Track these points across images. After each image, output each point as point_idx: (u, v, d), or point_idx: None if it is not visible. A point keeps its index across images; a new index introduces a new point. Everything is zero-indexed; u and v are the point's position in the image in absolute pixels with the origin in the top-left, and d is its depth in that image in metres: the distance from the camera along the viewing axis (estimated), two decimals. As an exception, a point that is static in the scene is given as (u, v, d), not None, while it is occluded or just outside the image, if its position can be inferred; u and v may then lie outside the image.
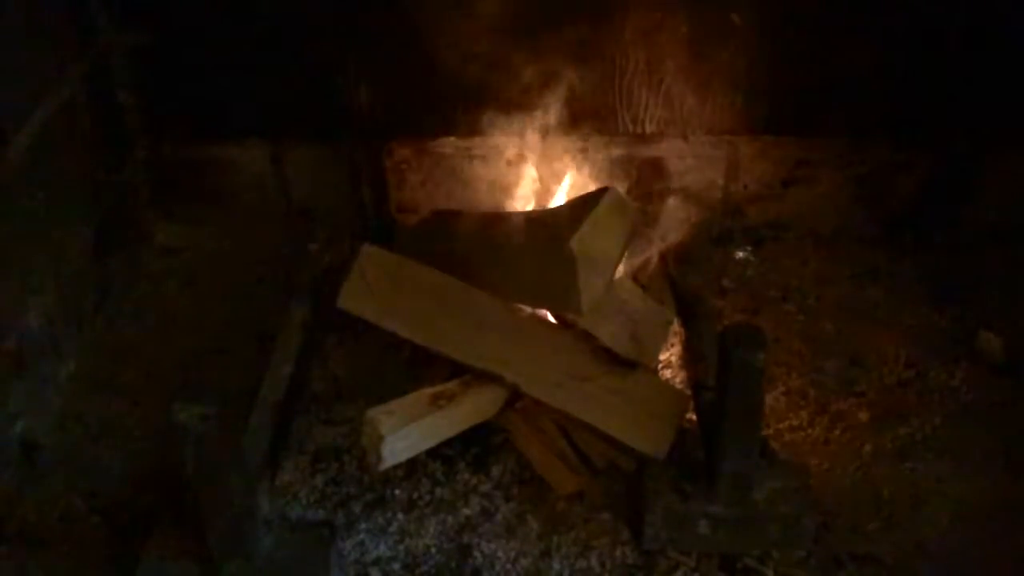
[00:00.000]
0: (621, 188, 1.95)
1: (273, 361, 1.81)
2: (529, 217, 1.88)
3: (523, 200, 2.11)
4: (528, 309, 1.82)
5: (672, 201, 2.18)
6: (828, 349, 1.98)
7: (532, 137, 2.02)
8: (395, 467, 1.67)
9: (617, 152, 2.17)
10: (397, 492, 1.69)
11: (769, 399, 1.82)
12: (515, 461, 1.74)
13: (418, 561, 1.59)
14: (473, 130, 2.15)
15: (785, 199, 2.27)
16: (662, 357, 1.93)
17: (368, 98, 2.12)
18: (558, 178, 2.06)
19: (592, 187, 1.97)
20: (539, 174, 2.08)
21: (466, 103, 2.11)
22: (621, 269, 1.86)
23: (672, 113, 2.18)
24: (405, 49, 2.10)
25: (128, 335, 2.05)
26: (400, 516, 1.65)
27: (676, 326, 1.94)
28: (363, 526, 1.64)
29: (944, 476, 1.73)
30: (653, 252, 2.05)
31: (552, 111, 1.98)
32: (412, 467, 1.71)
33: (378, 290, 1.81)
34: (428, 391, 1.70)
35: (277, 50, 2.10)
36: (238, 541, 1.47)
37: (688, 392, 1.79)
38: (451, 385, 1.72)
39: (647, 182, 2.18)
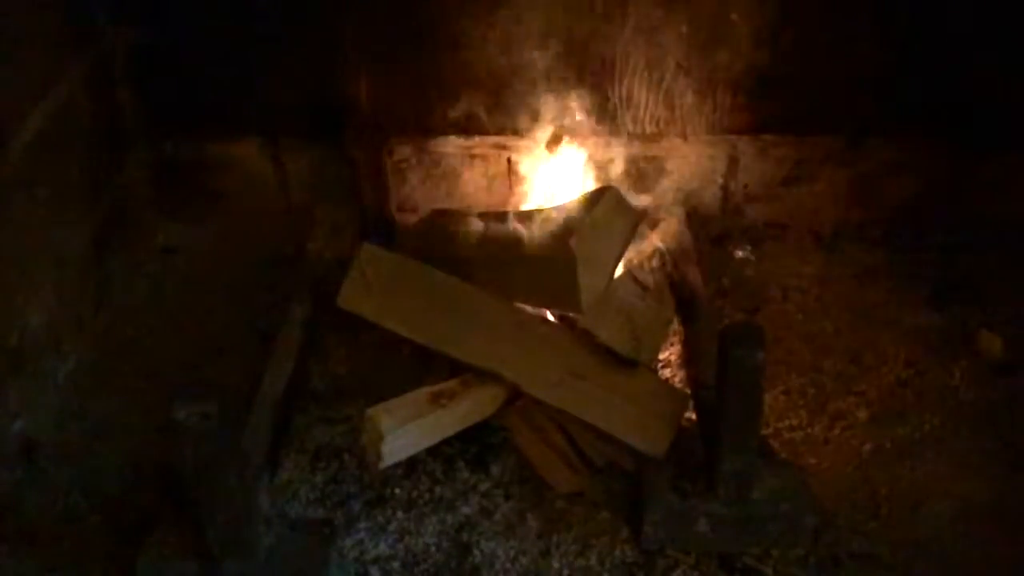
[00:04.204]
0: (621, 188, 1.95)
1: (273, 360, 1.81)
2: (529, 216, 1.88)
3: (523, 199, 2.11)
4: (528, 308, 1.82)
5: (672, 201, 2.18)
6: (827, 348, 1.99)
7: (532, 136, 2.02)
8: (395, 466, 1.67)
9: (617, 151, 2.17)
10: (397, 491, 1.69)
11: (768, 398, 1.82)
12: (515, 460, 1.74)
13: (418, 560, 1.59)
14: (473, 129, 2.15)
15: (785, 199, 2.27)
16: (662, 356, 1.93)
17: (368, 97, 2.12)
18: (558, 177, 2.06)
19: (592, 186, 1.98)
20: (539, 173, 2.08)
21: (467, 102, 2.11)
22: (621, 268, 1.87)
23: (672, 112, 2.18)
24: (406, 48, 2.10)
25: (128, 334, 2.05)
26: (400, 514, 1.65)
27: (676, 325, 1.95)
28: (363, 524, 1.64)
29: (943, 475, 1.73)
30: (653, 251, 2.05)
31: (552, 110, 1.98)
32: (412, 466, 1.71)
33: (378, 289, 1.81)
34: (428, 390, 1.70)
35: (277, 49, 2.10)
36: (238, 539, 1.47)
37: (687, 391, 1.79)
38: (451, 384, 1.72)
39: (647, 182, 2.18)
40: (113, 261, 2.12)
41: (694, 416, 1.72)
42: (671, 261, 2.03)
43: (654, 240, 2.07)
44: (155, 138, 2.24)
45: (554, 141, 2.01)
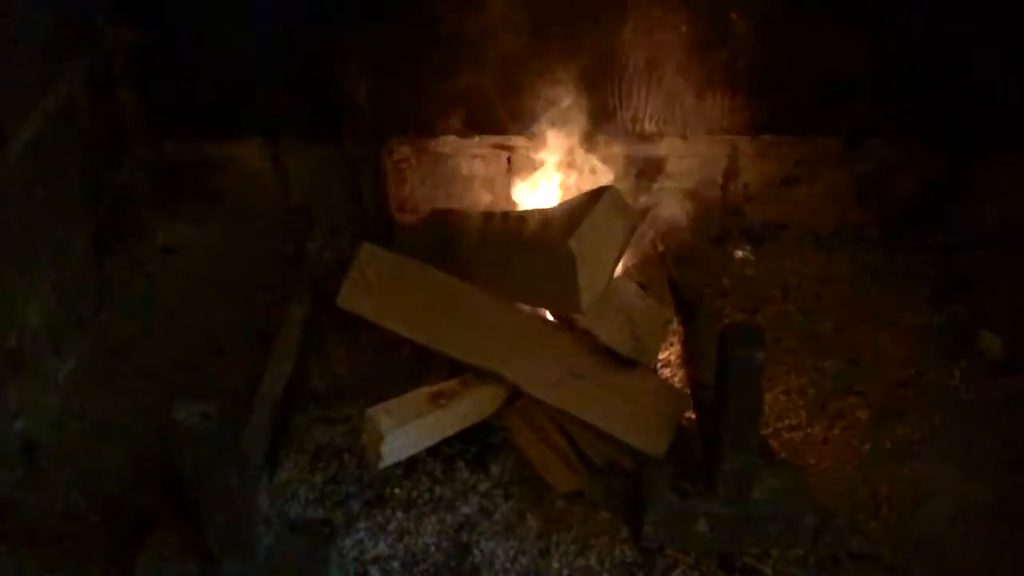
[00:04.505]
0: (621, 187, 1.95)
1: (273, 360, 1.81)
2: (528, 216, 1.88)
3: (523, 199, 2.11)
4: (527, 308, 1.82)
5: (671, 200, 2.18)
6: (827, 348, 1.98)
7: (532, 136, 2.02)
8: (394, 466, 1.67)
9: (617, 151, 2.17)
10: (396, 491, 1.69)
11: (768, 398, 1.82)
12: (514, 460, 1.74)
13: (417, 559, 1.59)
14: (473, 129, 2.15)
15: (784, 198, 2.27)
16: (661, 356, 1.93)
17: (368, 97, 2.12)
18: (557, 177, 2.06)
19: (592, 186, 1.97)
20: (539, 173, 2.08)
21: (466, 102, 2.11)
22: (620, 268, 1.86)
23: (671, 112, 2.18)
24: (405, 47, 2.10)
25: (128, 334, 2.05)
26: (399, 514, 1.65)
27: (675, 325, 1.95)
28: (362, 524, 1.64)
29: (943, 475, 1.72)
30: (652, 251, 2.05)
31: (551, 110, 1.98)
32: (411, 466, 1.71)
33: (377, 289, 1.81)
34: (427, 390, 1.70)
35: (277, 49, 2.10)
36: (237, 539, 1.47)
37: (687, 391, 1.79)
38: (450, 384, 1.72)
39: (646, 181, 2.18)
40: (113, 261, 2.12)
41: (694, 416, 1.72)
42: (671, 261, 2.03)
43: (654, 240, 2.07)
44: (155, 138, 2.24)
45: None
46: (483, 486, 1.70)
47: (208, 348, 2.00)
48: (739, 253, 2.23)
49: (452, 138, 2.20)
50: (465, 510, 1.66)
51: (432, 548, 1.61)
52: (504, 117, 2.06)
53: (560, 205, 1.89)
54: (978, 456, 1.76)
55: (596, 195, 1.82)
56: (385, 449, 1.60)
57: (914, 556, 1.59)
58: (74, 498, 1.70)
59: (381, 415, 1.62)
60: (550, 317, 1.83)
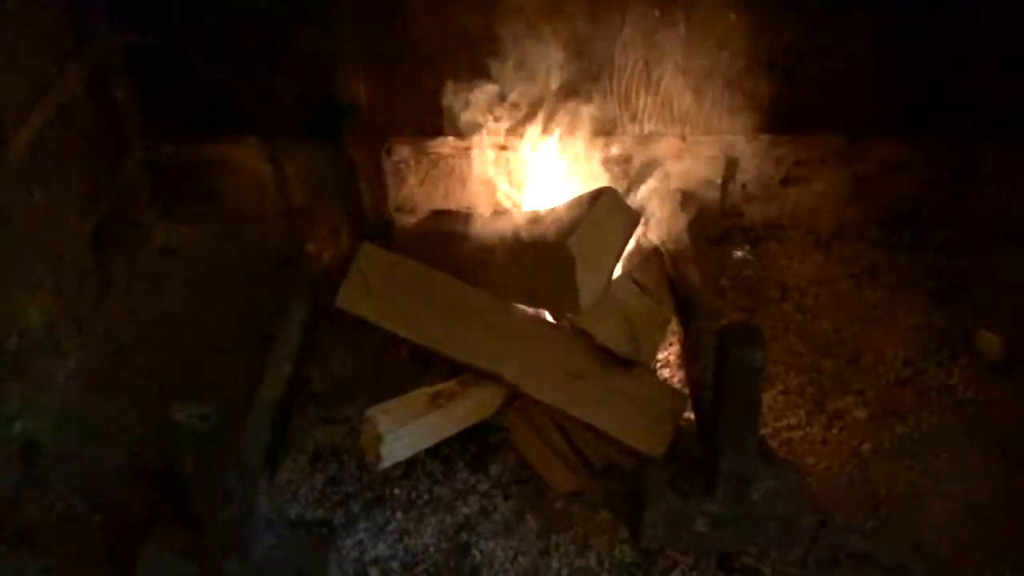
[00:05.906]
0: (619, 188, 1.95)
1: (272, 360, 1.81)
2: (527, 217, 1.88)
3: (522, 200, 2.11)
4: (526, 308, 1.82)
5: (671, 201, 2.18)
6: (826, 348, 1.99)
7: (531, 137, 2.02)
8: (394, 466, 1.67)
9: (616, 152, 2.17)
10: (396, 491, 1.69)
11: (767, 398, 1.83)
12: (514, 460, 1.74)
13: (417, 560, 1.59)
14: (472, 129, 2.15)
15: (783, 198, 2.27)
16: (661, 356, 1.93)
17: (367, 97, 2.12)
18: (556, 178, 2.06)
19: (590, 187, 1.97)
20: (538, 174, 2.08)
21: (465, 102, 2.10)
22: (619, 269, 1.87)
23: (670, 113, 2.18)
24: (405, 47, 2.10)
25: (127, 335, 2.05)
26: (399, 515, 1.66)
27: (674, 325, 1.95)
28: (362, 525, 1.64)
29: (942, 475, 1.73)
30: (652, 251, 2.05)
31: (550, 111, 1.98)
32: (411, 466, 1.72)
33: (376, 289, 1.81)
34: (427, 390, 1.70)
35: (275, 49, 2.10)
36: (237, 540, 1.48)
37: (686, 391, 1.79)
38: (450, 384, 1.73)
39: (645, 182, 2.18)
40: (113, 261, 2.12)
41: (693, 416, 1.72)
42: (670, 261, 2.03)
43: (653, 240, 2.07)
44: (154, 139, 2.24)
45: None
46: (483, 486, 1.70)
47: (207, 348, 2.00)
48: (738, 253, 2.23)
49: (451, 138, 2.20)
50: (465, 510, 1.66)
51: (432, 548, 1.61)
52: (503, 117, 2.06)
53: (559, 206, 1.89)
54: (977, 456, 1.76)
55: (595, 196, 1.82)
56: (385, 450, 1.61)
57: (913, 556, 1.60)
58: (74, 499, 1.70)
59: (380, 416, 1.63)
60: (549, 318, 1.83)
